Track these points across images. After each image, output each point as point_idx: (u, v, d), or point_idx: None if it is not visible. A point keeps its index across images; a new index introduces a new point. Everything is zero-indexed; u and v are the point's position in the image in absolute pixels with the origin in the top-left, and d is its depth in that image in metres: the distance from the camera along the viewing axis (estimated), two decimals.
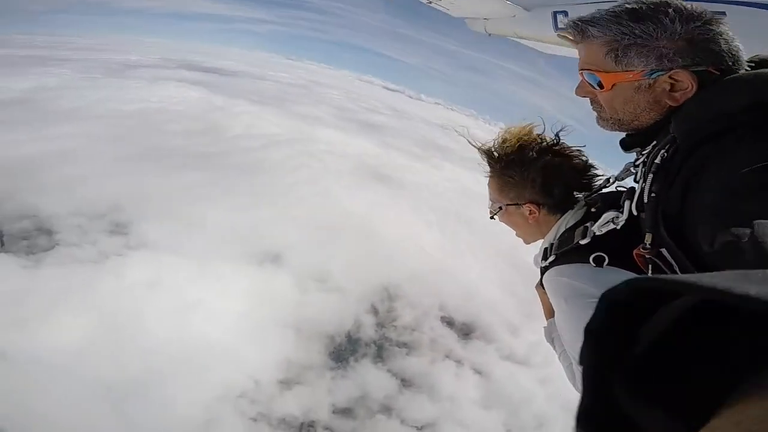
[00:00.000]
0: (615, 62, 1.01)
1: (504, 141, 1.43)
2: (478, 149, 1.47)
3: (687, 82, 0.96)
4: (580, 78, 1.11)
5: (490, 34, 5.90)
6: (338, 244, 15.88)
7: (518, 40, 5.65)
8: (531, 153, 1.40)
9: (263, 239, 15.24)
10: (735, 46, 0.97)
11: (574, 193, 1.43)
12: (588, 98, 1.15)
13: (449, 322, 15.63)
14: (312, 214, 17.09)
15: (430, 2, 5.79)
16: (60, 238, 13.75)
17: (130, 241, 14.07)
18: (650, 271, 0.97)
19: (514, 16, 5.45)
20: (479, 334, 15.59)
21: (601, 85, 1.06)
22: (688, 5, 0.98)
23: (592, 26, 1.01)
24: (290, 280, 14.48)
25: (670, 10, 0.96)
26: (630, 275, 1.01)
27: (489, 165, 1.46)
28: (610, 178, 1.37)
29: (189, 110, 26.06)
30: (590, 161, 1.45)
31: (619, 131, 1.14)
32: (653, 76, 0.99)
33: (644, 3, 0.98)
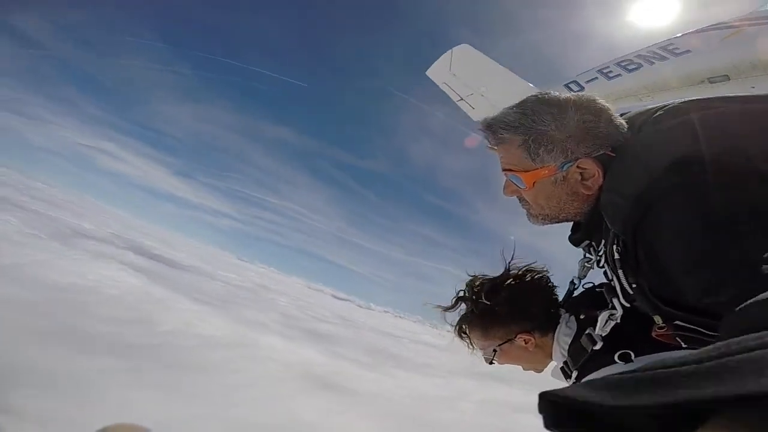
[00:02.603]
0: (531, 160, 1.07)
1: (468, 294, 1.48)
2: (458, 327, 1.51)
3: (593, 169, 1.05)
4: (505, 179, 1.16)
5: None
6: None
7: None
8: (494, 292, 1.43)
9: None
10: (620, 123, 1.06)
11: (551, 309, 1.44)
12: (515, 197, 1.19)
13: None
14: (247, 418, 14.36)
15: (461, 99, 6.12)
16: None
17: None
18: (683, 343, 1.00)
19: None
20: None
21: (524, 184, 1.12)
22: (576, 95, 1.07)
23: (502, 130, 1.09)
24: None
25: (562, 103, 1.05)
26: (658, 357, 1.04)
27: (464, 322, 1.49)
28: (573, 280, 1.39)
29: (124, 297, 24.10)
30: (546, 272, 1.49)
31: (550, 224, 1.19)
32: (564, 168, 1.06)
33: (541, 100, 1.07)
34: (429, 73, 6.21)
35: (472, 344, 1.51)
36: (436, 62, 6.00)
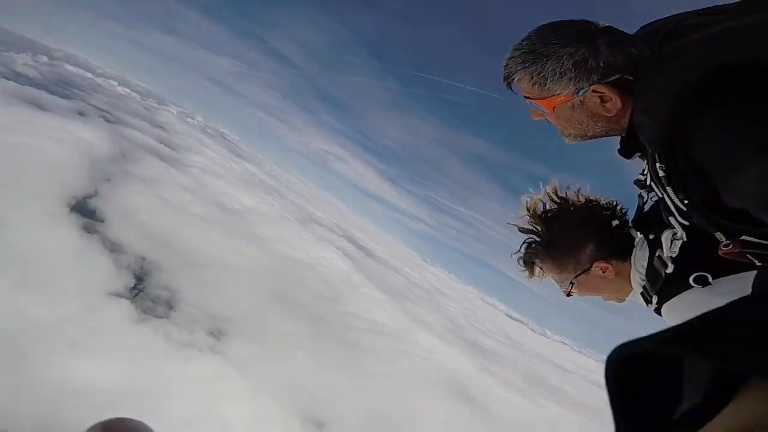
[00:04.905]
0: (543, 89, 1.07)
1: (533, 219, 1.36)
2: (525, 259, 1.40)
3: (609, 94, 1.02)
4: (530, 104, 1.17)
5: None
6: None
7: None
8: (561, 218, 1.34)
9: (320, 405, 15.01)
10: (637, 47, 1.00)
11: (624, 230, 1.32)
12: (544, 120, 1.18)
13: None
14: (381, 405, 16.65)
15: None
16: (174, 316, 16.01)
17: (216, 346, 15.40)
18: (756, 261, 0.90)
19: None
20: None
21: (544, 110, 1.12)
22: (583, 22, 1.04)
23: (512, 64, 1.09)
24: None
25: (571, 31, 1.02)
26: (736, 280, 1.00)
27: (534, 256, 1.38)
28: (641, 194, 1.27)
29: (329, 276, 30.03)
30: (609, 197, 1.37)
31: (584, 141, 1.18)
32: (579, 93, 1.04)
33: (547, 30, 1.04)
34: None
35: (540, 276, 1.40)
36: None
